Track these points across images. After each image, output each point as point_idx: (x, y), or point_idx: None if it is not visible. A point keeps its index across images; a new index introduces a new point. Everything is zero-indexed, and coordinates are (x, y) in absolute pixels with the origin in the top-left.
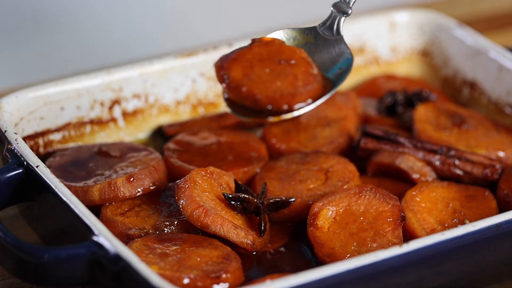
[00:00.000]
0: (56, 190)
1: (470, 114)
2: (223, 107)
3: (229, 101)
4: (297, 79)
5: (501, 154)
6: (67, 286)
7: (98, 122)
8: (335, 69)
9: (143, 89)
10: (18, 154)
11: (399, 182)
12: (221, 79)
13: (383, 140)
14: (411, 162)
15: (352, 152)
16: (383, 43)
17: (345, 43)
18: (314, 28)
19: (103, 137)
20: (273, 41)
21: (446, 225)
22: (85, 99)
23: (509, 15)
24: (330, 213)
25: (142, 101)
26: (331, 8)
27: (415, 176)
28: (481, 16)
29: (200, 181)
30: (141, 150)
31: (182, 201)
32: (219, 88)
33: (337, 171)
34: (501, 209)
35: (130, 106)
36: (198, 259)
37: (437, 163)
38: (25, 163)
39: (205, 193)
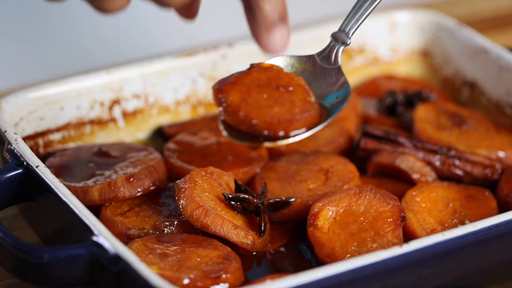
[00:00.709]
0: (56, 190)
1: (470, 114)
2: None
3: (225, 124)
4: (294, 106)
5: (501, 154)
6: (67, 286)
7: (98, 122)
8: (332, 97)
9: (143, 89)
10: (18, 154)
11: (399, 182)
12: (218, 102)
13: (383, 140)
14: (411, 162)
15: (352, 152)
16: (383, 43)
17: (342, 73)
18: (312, 56)
19: (103, 137)
20: (272, 67)
21: (446, 225)
22: (85, 99)
23: (509, 15)
24: (330, 213)
25: (142, 101)
26: (330, 38)
27: (415, 176)
28: (481, 16)
29: (200, 181)
30: (141, 150)
31: (182, 201)
32: None
33: (337, 171)
34: (501, 209)
35: (130, 106)
36: (198, 259)
37: (437, 163)
38: (25, 163)
39: (205, 193)
